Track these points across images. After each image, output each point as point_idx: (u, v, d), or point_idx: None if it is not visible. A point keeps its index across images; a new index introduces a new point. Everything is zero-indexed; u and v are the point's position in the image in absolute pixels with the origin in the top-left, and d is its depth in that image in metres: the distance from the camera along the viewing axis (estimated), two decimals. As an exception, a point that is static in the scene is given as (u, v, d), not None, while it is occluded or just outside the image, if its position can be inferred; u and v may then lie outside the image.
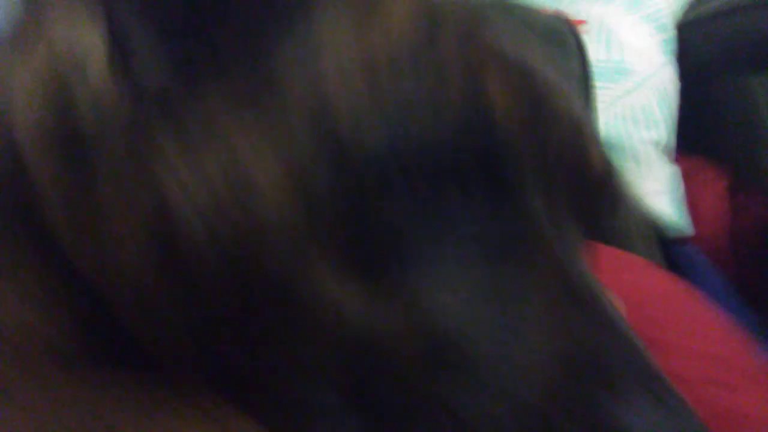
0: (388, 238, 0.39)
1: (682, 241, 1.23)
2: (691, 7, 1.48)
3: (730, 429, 0.51)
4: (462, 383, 0.36)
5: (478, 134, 0.38)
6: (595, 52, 1.38)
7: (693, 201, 1.37)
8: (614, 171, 0.48)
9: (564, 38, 0.89)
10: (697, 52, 1.43)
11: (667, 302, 0.71)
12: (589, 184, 0.46)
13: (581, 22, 1.47)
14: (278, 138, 0.39)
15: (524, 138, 0.40)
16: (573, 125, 0.45)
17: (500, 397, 0.35)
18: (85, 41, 0.43)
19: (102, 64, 0.44)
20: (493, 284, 0.39)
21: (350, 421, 0.39)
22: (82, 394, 0.38)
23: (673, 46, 1.43)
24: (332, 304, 0.39)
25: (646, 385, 0.35)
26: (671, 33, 1.44)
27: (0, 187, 0.45)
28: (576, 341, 0.37)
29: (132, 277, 0.44)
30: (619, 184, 0.49)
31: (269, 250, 0.39)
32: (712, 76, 1.43)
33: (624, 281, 0.77)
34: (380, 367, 0.38)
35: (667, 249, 1.20)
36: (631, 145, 1.26)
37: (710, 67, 1.42)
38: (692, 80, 1.43)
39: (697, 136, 1.45)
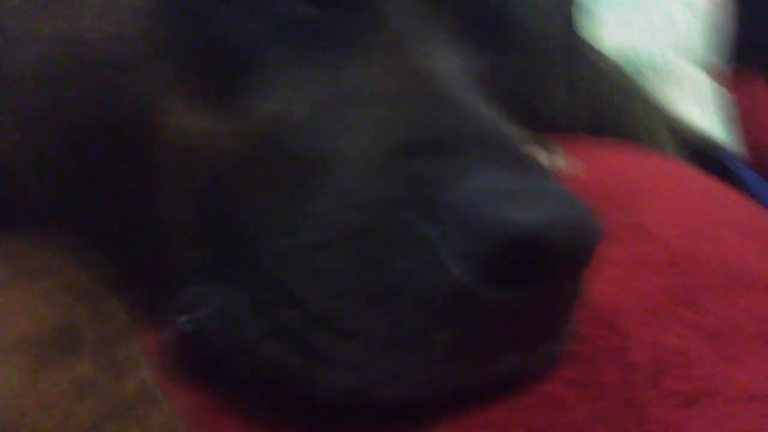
0: (217, 49, 0.36)
1: (725, 153, 1.12)
2: None
3: (682, 274, 0.45)
4: (297, 194, 0.33)
5: None
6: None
7: (746, 115, 1.25)
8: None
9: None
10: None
11: (644, 173, 0.64)
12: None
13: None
14: None
15: None
16: None
17: (333, 198, 0.32)
18: None
19: None
20: (334, 85, 0.36)
21: (197, 258, 0.37)
22: None
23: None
24: (179, 135, 0.37)
25: (487, 154, 0.31)
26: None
27: None
28: (409, 125, 0.33)
29: None
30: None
31: (107, 85, 0.38)
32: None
33: (607, 155, 0.71)
34: (224, 192, 0.36)
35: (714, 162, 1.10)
36: (653, 56, 1.17)
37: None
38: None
39: (752, 50, 1.33)
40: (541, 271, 0.29)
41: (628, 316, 0.37)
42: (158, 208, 0.38)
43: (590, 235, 0.30)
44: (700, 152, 1.13)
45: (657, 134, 0.97)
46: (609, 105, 0.94)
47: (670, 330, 0.36)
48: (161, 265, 0.38)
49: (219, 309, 0.34)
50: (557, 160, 0.63)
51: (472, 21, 0.43)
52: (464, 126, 0.33)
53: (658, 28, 1.21)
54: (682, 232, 0.51)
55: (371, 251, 0.30)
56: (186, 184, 0.37)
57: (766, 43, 1.35)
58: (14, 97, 0.41)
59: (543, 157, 0.60)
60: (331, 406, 0.31)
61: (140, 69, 0.37)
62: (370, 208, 0.31)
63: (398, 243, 0.29)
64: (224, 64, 0.37)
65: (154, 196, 0.38)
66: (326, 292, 0.30)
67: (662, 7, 1.24)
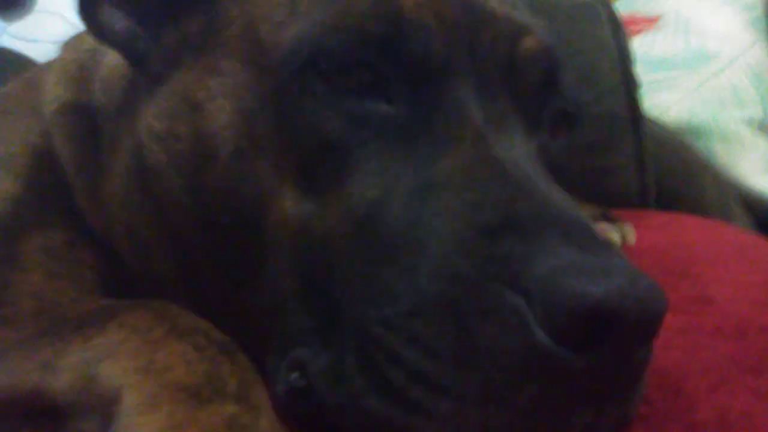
0: (319, 148, 0.43)
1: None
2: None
3: (750, 344, 0.47)
4: (397, 267, 0.39)
5: (385, 22, 0.42)
6: (672, 43, 1.34)
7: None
8: (550, 55, 0.49)
9: (595, 11, 0.89)
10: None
11: (712, 245, 0.66)
12: (524, 72, 0.47)
13: (656, 18, 1.44)
14: (229, 89, 0.46)
15: (439, 28, 0.43)
16: (508, 23, 0.47)
17: (429, 271, 0.37)
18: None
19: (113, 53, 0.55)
20: (427, 173, 0.42)
21: (304, 322, 0.42)
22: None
23: (764, 23, 1.35)
24: (288, 218, 0.44)
25: (563, 236, 0.36)
26: (759, 11, 1.36)
27: (38, 167, 0.57)
28: (494, 209, 0.38)
29: (124, 219, 0.52)
30: (556, 71, 0.49)
31: (228, 177, 0.45)
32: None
33: (676, 228, 0.74)
34: (328, 266, 0.42)
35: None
36: (719, 127, 1.18)
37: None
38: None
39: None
40: (613, 338, 0.33)
41: (695, 381, 0.40)
42: (270, 279, 0.44)
43: (656, 306, 0.33)
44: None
45: (727, 205, 0.98)
46: (677, 179, 0.97)
47: (737, 395, 0.38)
48: (272, 329, 0.44)
49: (327, 366, 0.39)
50: (627, 234, 0.66)
51: (531, 107, 0.48)
52: (541, 210, 0.38)
53: (726, 99, 1.24)
54: (749, 303, 0.54)
55: (464, 317, 0.34)
56: (295, 259, 0.43)
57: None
58: (153, 185, 0.49)
59: (613, 232, 0.64)
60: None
61: (259, 161, 0.44)
62: (463, 280, 0.36)
63: (488, 310, 0.34)
64: (328, 157, 0.43)
65: (266, 269, 0.44)
66: (424, 353, 0.35)
67: (729, 79, 1.26)
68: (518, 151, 0.44)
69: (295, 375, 0.42)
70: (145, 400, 0.31)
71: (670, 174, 0.93)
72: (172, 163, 0.47)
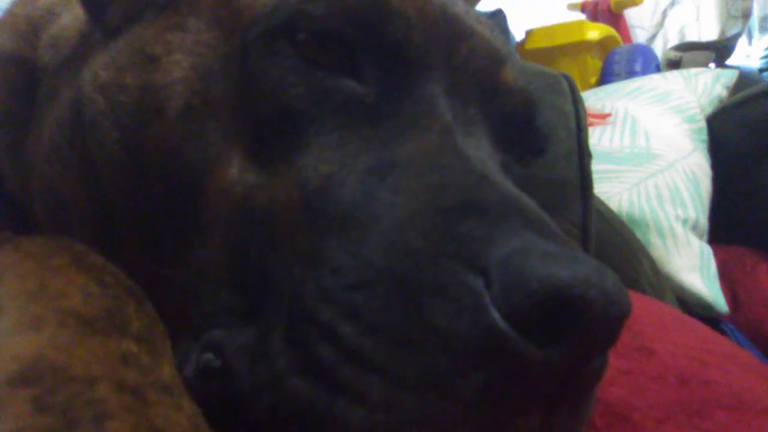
0: (278, 115, 0.40)
1: (718, 318, 1.14)
2: (721, 101, 1.49)
3: (693, 392, 0.45)
4: (345, 239, 0.35)
5: (368, 1, 0.40)
6: (620, 140, 1.40)
7: (738, 287, 1.29)
8: (531, 95, 0.48)
9: (557, 81, 0.91)
10: (731, 140, 1.42)
11: (652, 312, 0.65)
12: (501, 97, 0.47)
13: (607, 115, 1.51)
14: (190, 45, 0.43)
15: (420, 23, 0.42)
16: (486, 44, 0.47)
17: (379, 245, 0.34)
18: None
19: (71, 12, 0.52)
20: (389, 154, 0.39)
21: (228, 300, 0.38)
22: None
23: (703, 136, 1.43)
24: (232, 186, 0.40)
25: (527, 224, 0.33)
26: (701, 124, 1.44)
27: None
28: (456, 192, 0.36)
29: (45, 175, 0.47)
30: (535, 108, 0.49)
31: (171, 136, 0.42)
32: (748, 163, 1.40)
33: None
34: (267, 240, 0.38)
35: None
36: (656, 222, 1.22)
37: (746, 154, 1.40)
38: (730, 169, 1.41)
39: (738, 224, 1.40)
40: (575, 331, 0.30)
41: (643, 413, 0.38)
42: (198, 254, 0.40)
43: (621, 303, 0.31)
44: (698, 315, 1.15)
45: (662, 292, 0.99)
46: (617, 256, 0.98)
47: (685, 430, 0.36)
48: (191, 309, 0.40)
49: (248, 344, 0.35)
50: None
51: (501, 130, 0.47)
52: (505, 199, 0.36)
53: (664, 197, 1.28)
54: (689, 359, 0.53)
55: (413, 292, 0.31)
56: (231, 231, 0.39)
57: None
58: (86, 139, 0.44)
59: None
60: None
61: (209, 122, 0.41)
62: (416, 254, 0.32)
63: (441, 287, 0.31)
64: (286, 125, 0.40)
65: (197, 242, 0.40)
66: (364, 329, 0.31)
67: (668, 179, 1.31)
68: (483, 152, 0.42)
69: (208, 355, 0.37)
70: (26, 321, 0.26)
71: (611, 251, 0.93)
72: (112, 115, 0.43)
